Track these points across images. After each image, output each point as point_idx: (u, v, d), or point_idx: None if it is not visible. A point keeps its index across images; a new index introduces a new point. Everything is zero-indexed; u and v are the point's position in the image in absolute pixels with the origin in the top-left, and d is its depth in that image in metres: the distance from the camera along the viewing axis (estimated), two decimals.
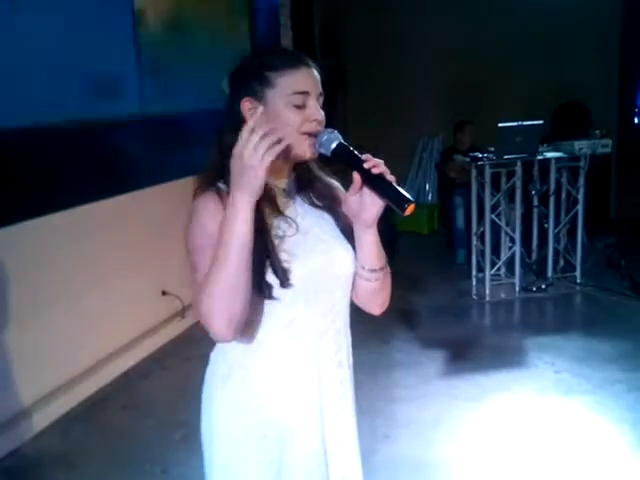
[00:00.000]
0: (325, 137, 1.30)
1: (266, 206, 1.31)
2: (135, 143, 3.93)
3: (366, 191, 1.28)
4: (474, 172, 5.08)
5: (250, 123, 1.20)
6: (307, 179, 1.42)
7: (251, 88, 1.30)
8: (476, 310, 5.08)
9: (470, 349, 4.24)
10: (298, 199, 1.41)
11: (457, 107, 7.15)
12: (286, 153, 1.29)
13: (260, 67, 1.30)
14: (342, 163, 1.31)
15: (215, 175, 1.33)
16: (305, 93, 1.30)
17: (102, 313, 3.80)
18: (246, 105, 1.30)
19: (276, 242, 1.31)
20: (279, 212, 1.34)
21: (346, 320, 1.46)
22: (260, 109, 1.25)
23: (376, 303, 1.47)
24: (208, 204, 1.29)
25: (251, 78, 1.31)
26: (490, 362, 3.97)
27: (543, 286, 5.22)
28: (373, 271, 1.38)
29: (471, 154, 5.14)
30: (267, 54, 1.35)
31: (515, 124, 4.88)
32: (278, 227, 1.33)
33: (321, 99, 1.33)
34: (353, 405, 1.50)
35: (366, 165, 1.26)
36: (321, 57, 7.62)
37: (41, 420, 3.35)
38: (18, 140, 3.17)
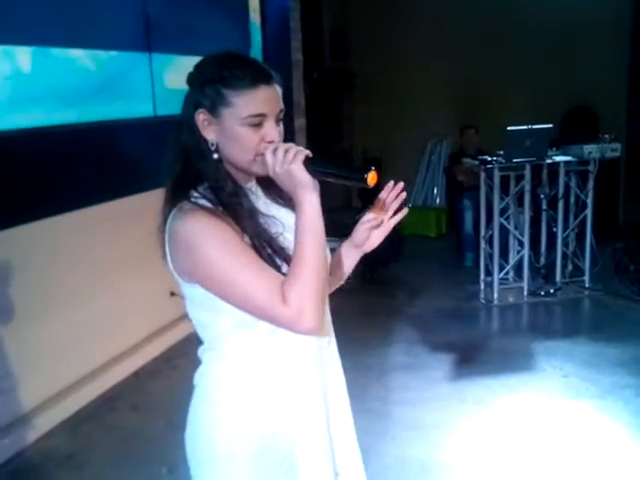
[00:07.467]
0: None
1: (249, 208, 1.29)
2: (147, 143, 3.95)
3: (375, 231, 1.46)
4: (483, 175, 5.08)
5: (270, 147, 1.24)
6: (267, 178, 1.33)
7: (207, 101, 1.25)
8: (484, 314, 5.07)
9: (478, 352, 4.24)
10: (266, 199, 1.38)
11: (466, 111, 7.16)
12: (243, 170, 1.31)
13: (218, 82, 1.24)
14: None
15: (186, 184, 1.28)
16: (261, 115, 1.25)
17: (111, 313, 3.82)
18: (201, 117, 1.27)
19: (279, 239, 1.29)
20: (263, 212, 1.32)
21: (329, 316, 1.45)
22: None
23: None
24: (208, 220, 1.22)
25: (208, 90, 1.25)
26: (498, 366, 3.97)
27: (551, 290, 5.21)
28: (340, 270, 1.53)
29: (480, 157, 5.14)
30: (226, 67, 1.25)
31: (524, 128, 4.88)
32: (272, 225, 1.30)
33: (282, 114, 1.29)
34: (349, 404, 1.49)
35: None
36: (331, 60, 7.65)
37: (50, 419, 3.37)
38: (33, 140, 3.21)
